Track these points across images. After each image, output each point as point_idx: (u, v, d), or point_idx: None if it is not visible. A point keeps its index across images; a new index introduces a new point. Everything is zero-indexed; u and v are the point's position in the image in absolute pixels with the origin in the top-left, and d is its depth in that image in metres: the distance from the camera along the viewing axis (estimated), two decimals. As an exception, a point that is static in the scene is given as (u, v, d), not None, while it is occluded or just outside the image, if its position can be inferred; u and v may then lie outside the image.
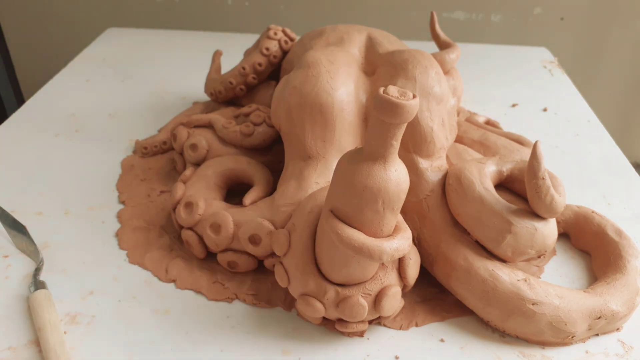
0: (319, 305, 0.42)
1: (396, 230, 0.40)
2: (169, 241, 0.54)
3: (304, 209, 0.44)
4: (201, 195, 0.53)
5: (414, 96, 0.34)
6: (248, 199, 0.53)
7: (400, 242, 0.39)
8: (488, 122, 0.73)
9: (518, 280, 0.45)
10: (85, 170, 0.65)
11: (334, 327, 0.44)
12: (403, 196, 0.38)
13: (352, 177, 0.37)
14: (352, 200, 0.37)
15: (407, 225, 0.42)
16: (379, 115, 0.34)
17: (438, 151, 0.51)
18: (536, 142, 0.44)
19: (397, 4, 1.42)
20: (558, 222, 0.55)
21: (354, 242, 0.37)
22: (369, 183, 0.36)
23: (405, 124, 0.35)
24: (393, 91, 0.34)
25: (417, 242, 0.49)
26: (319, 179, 0.50)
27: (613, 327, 0.46)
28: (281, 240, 0.43)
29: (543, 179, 0.44)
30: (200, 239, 0.51)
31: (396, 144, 0.36)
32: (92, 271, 0.51)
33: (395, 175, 0.37)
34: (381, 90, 0.34)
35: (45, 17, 1.50)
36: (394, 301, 0.43)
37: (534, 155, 0.44)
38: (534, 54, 1.05)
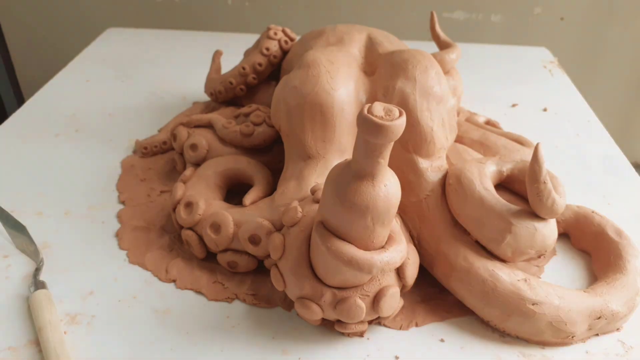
0: (316, 307, 0.42)
1: (390, 241, 0.40)
2: (169, 241, 0.54)
3: None
4: (201, 195, 0.53)
5: (401, 113, 0.33)
6: (248, 199, 0.53)
7: (391, 255, 0.39)
8: (488, 122, 0.73)
9: (518, 280, 0.45)
10: (85, 170, 0.65)
11: (333, 327, 0.44)
12: (393, 211, 0.38)
13: (341, 194, 0.37)
14: (341, 215, 0.37)
15: (402, 237, 0.41)
16: (363, 135, 0.34)
17: (438, 151, 0.51)
18: (537, 144, 0.44)
19: (397, 4, 1.42)
20: (558, 222, 0.55)
21: (343, 256, 0.37)
22: (357, 200, 0.36)
23: (392, 142, 0.34)
24: (378, 109, 0.33)
25: (417, 242, 0.49)
26: (319, 179, 0.50)
27: (613, 327, 0.46)
28: (276, 244, 0.43)
29: (545, 182, 0.44)
30: (200, 239, 0.51)
31: (383, 161, 0.36)
32: (92, 271, 0.51)
33: (384, 191, 0.37)
34: (365, 109, 0.33)
35: (45, 17, 1.50)
36: (392, 302, 0.43)
37: (535, 158, 0.44)
38: (534, 54, 1.05)
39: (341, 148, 0.52)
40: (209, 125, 0.62)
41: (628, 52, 1.48)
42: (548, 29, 1.44)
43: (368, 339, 0.45)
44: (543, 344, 0.45)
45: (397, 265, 0.40)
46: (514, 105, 0.85)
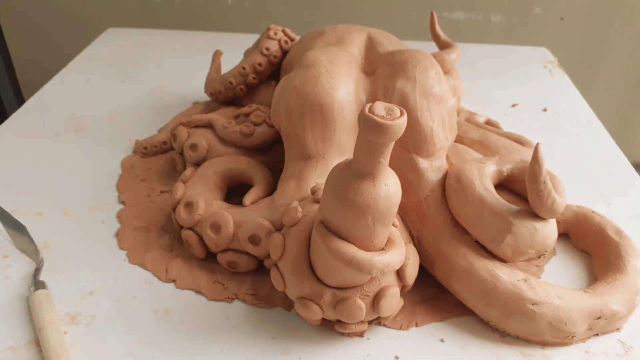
0: (316, 308, 0.42)
1: (390, 244, 0.40)
2: (169, 241, 0.54)
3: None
4: (201, 195, 0.53)
5: (402, 113, 0.33)
6: (248, 199, 0.53)
7: (391, 257, 0.39)
8: (488, 122, 0.73)
9: (518, 280, 0.45)
10: (85, 170, 0.65)
11: (333, 327, 0.44)
12: (394, 210, 0.38)
13: (341, 193, 0.37)
14: (341, 215, 0.37)
15: (402, 240, 0.41)
16: (364, 135, 0.34)
17: (438, 151, 0.51)
18: (537, 144, 0.44)
19: (397, 4, 1.42)
20: (558, 222, 0.55)
21: (344, 255, 0.37)
22: (357, 199, 0.36)
23: (393, 142, 0.34)
24: (379, 109, 0.33)
25: (417, 242, 0.49)
26: (319, 179, 0.50)
27: (613, 327, 0.46)
28: (276, 244, 0.43)
29: (544, 182, 0.44)
30: (200, 239, 0.51)
31: (384, 161, 0.35)
32: (92, 271, 0.51)
33: (384, 191, 0.37)
34: (367, 108, 0.33)
35: (45, 17, 1.50)
36: (392, 302, 0.43)
37: (535, 158, 0.44)
38: (534, 54, 1.05)
39: (341, 148, 0.52)
40: (209, 125, 0.62)
41: (628, 52, 1.48)
42: (548, 29, 1.44)
43: (368, 339, 0.45)
44: (543, 344, 0.45)
45: (397, 267, 0.40)
46: (514, 105, 0.85)
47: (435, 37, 0.70)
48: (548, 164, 0.45)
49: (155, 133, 0.74)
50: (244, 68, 0.68)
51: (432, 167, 0.51)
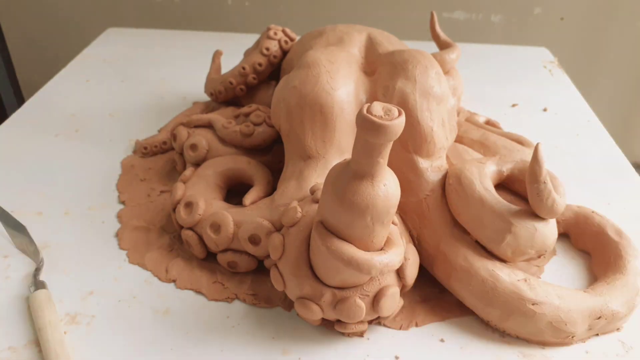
0: (315, 308, 0.42)
1: (389, 244, 0.40)
2: (169, 241, 0.54)
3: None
4: (201, 195, 0.53)
5: (400, 113, 0.33)
6: (248, 199, 0.53)
7: (391, 257, 0.39)
8: (488, 122, 0.73)
9: (518, 280, 0.45)
10: (85, 170, 0.65)
11: (333, 327, 0.44)
12: (393, 210, 0.38)
13: (340, 193, 0.37)
14: (340, 215, 0.37)
15: (401, 240, 0.41)
16: (362, 135, 0.34)
17: (438, 151, 0.51)
18: (537, 144, 0.44)
19: (397, 4, 1.42)
20: (558, 222, 0.55)
21: (343, 256, 0.37)
22: (356, 199, 0.36)
23: (392, 142, 0.34)
24: (377, 109, 0.33)
25: (417, 242, 0.49)
26: (319, 179, 0.50)
27: (613, 327, 0.46)
28: (275, 244, 0.43)
29: (544, 182, 0.44)
30: (200, 239, 0.51)
31: (383, 161, 0.36)
32: (92, 271, 0.51)
33: (383, 191, 0.37)
34: (365, 108, 0.33)
35: (45, 17, 1.50)
36: (392, 301, 0.43)
37: (535, 158, 0.44)
38: (534, 54, 1.05)
39: (341, 148, 0.52)
40: (209, 125, 0.62)
41: (628, 52, 1.48)
42: (548, 29, 1.44)
43: (368, 339, 0.45)
44: (543, 344, 0.45)
45: (396, 267, 0.40)
46: (514, 105, 0.85)
47: (435, 37, 0.70)
48: (548, 164, 0.45)
49: (155, 133, 0.74)
50: (244, 68, 0.68)
51: (432, 167, 0.51)
